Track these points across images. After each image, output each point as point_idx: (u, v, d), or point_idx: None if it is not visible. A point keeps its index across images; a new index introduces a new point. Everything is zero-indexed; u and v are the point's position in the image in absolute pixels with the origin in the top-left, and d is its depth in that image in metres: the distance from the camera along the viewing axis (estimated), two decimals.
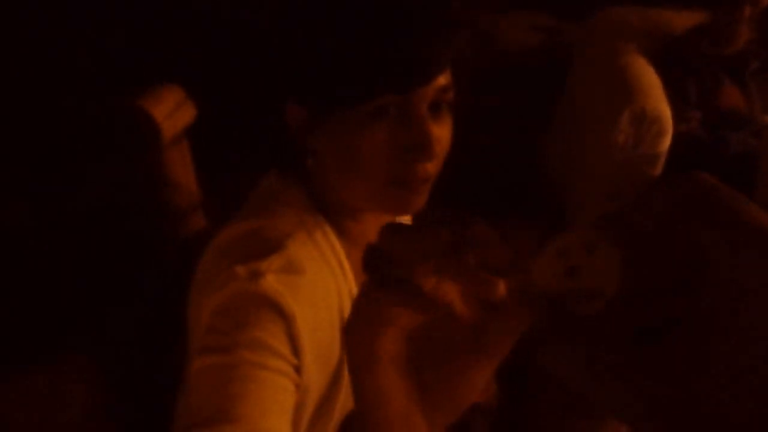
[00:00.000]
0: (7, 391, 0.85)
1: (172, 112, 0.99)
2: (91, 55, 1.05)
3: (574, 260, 0.38)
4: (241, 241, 0.71)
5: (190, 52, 1.07)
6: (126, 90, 0.98)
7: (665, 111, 1.83)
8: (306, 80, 0.68)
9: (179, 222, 1.06)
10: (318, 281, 0.71)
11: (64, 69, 1.04)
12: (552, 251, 0.38)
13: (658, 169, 1.89)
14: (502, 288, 0.36)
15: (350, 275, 0.76)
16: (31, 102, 0.99)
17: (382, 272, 0.37)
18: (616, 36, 2.13)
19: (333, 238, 0.75)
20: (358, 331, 0.38)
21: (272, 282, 0.65)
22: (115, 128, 0.98)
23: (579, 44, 2.37)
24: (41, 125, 0.97)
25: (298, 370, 0.66)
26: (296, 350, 0.66)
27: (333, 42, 0.64)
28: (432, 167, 0.70)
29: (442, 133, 0.69)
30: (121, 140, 0.98)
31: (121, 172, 0.99)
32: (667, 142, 1.85)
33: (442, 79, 0.67)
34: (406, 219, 0.93)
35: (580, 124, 2.16)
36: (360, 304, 0.39)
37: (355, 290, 0.76)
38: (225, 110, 0.79)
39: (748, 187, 1.71)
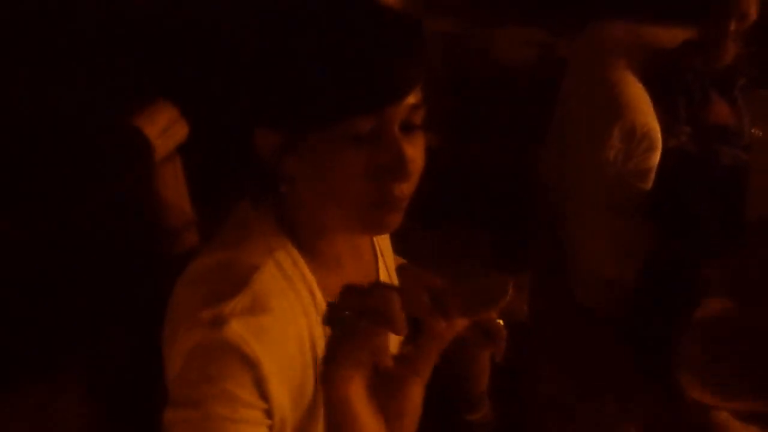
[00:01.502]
0: (1, 406, 0.86)
1: (164, 130, 1.00)
2: (85, 74, 1.07)
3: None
4: (207, 276, 0.71)
5: (180, 71, 1.09)
6: (119, 108, 0.99)
7: (654, 127, 1.84)
8: (278, 105, 0.68)
9: (172, 239, 1.07)
10: (286, 315, 0.71)
11: (58, 88, 1.05)
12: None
13: (649, 184, 1.91)
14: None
15: (322, 302, 0.76)
16: (23, 121, 1.01)
17: (342, 324, 0.51)
18: (605, 52, 2.15)
19: (303, 266, 0.75)
20: (331, 378, 0.51)
21: (236, 329, 0.65)
22: (109, 146, 0.99)
23: (570, 60, 2.39)
24: (35, 143, 0.98)
25: (269, 412, 0.67)
26: (264, 395, 0.66)
27: (302, 65, 0.65)
28: (408, 187, 0.70)
29: (415, 152, 0.69)
30: (114, 158, 0.99)
31: (114, 190, 1.00)
32: (656, 157, 1.87)
33: (412, 98, 0.67)
34: (383, 238, 0.94)
35: (572, 139, 2.18)
36: (329, 355, 0.52)
37: None
38: (214, 129, 0.80)
39: (739, 200, 1.72)
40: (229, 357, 0.64)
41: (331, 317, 0.55)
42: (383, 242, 0.94)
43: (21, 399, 0.90)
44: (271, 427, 0.67)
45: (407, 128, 0.68)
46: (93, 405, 0.93)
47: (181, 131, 1.04)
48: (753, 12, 1.88)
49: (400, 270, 1.02)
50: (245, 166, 0.73)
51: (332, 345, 0.55)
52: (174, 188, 1.05)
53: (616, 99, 1.92)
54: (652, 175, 1.90)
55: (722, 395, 1.73)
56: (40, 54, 1.04)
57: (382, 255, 0.93)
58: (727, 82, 1.98)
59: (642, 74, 2.03)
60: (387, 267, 0.93)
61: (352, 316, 0.52)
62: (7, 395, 0.89)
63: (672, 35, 2.11)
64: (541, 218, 2.35)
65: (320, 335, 0.74)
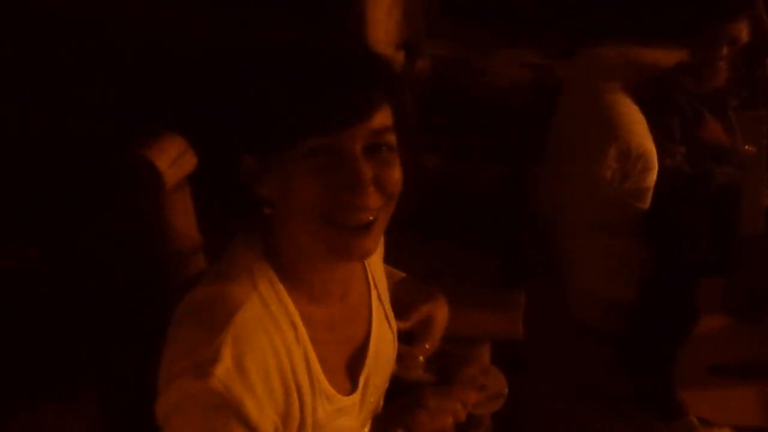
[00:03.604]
0: (16, 425, 0.89)
1: (174, 161, 1.04)
2: (99, 111, 1.11)
3: (480, 381, 0.90)
4: (196, 314, 0.75)
5: (186, 107, 1.13)
6: (131, 141, 1.04)
7: (650, 147, 1.88)
8: (250, 130, 0.75)
9: (181, 264, 1.10)
10: (266, 352, 0.74)
11: (73, 124, 1.09)
12: (464, 380, 0.89)
13: (646, 203, 1.94)
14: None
15: (304, 334, 0.79)
16: (41, 155, 1.04)
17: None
18: (600, 74, 2.20)
19: (286, 299, 0.78)
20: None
21: (219, 375, 0.69)
22: (121, 177, 1.03)
23: (565, 82, 2.44)
24: (52, 176, 1.01)
25: None
26: (253, 428, 0.71)
27: (271, 96, 0.72)
28: (373, 202, 0.73)
29: (384, 173, 0.73)
30: (126, 188, 1.03)
31: (126, 219, 1.04)
32: (653, 177, 1.90)
33: (377, 123, 0.72)
34: (377, 269, 0.96)
35: (568, 160, 2.22)
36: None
37: (309, 347, 0.79)
38: (213, 159, 0.85)
39: (733, 218, 1.75)
40: (215, 407, 0.69)
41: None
42: (377, 273, 0.96)
43: (34, 416, 0.93)
44: None
45: (372, 150, 0.72)
46: (103, 423, 0.96)
47: (189, 162, 1.07)
48: (744, 36, 1.93)
49: (400, 283, 1.04)
50: (236, 192, 0.78)
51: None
52: (183, 216, 1.08)
53: (611, 120, 1.96)
54: (649, 195, 1.93)
55: (722, 411, 1.75)
56: (56, 90, 1.09)
57: (376, 287, 0.94)
58: (720, 103, 2.02)
59: (636, 96, 2.08)
60: (381, 298, 0.94)
61: None
62: (22, 413, 0.91)
63: (665, 57, 2.16)
64: (539, 237, 2.38)
65: (302, 365, 0.78)
